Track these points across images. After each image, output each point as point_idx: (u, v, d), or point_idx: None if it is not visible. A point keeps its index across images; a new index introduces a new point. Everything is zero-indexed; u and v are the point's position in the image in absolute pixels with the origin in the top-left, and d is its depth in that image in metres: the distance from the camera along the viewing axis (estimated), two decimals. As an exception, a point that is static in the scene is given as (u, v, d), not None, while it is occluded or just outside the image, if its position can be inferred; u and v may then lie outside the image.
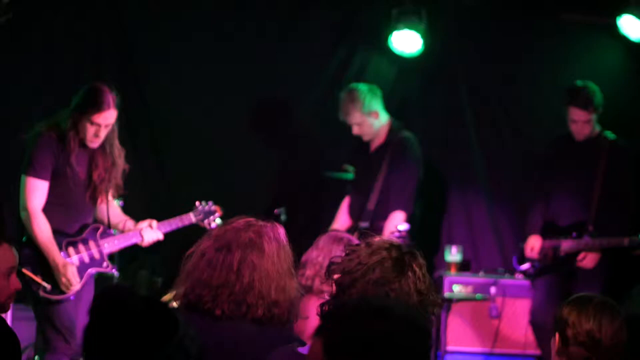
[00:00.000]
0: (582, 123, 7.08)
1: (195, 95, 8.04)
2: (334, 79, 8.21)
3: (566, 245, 7.07)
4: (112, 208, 6.34)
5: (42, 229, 6.01)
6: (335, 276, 3.24)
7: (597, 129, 7.16)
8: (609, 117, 7.26)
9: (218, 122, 8.11)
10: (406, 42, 7.96)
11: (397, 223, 6.90)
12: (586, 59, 7.99)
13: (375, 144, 7.38)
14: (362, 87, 7.35)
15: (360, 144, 7.43)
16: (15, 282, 3.93)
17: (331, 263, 3.27)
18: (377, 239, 3.30)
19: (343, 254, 3.28)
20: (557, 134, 7.39)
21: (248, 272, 3.56)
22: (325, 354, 2.62)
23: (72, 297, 6.05)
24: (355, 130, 7.31)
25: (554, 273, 7.10)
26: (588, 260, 6.96)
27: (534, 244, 7.15)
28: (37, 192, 6.04)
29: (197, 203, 6.55)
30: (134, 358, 2.48)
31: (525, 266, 7.21)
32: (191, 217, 6.44)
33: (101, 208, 6.28)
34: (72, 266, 6.02)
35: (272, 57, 8.11)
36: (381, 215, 7.16)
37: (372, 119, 7.30)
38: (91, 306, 2.61)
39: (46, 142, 6.03)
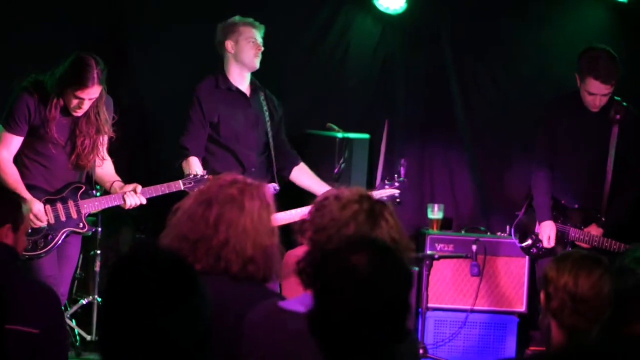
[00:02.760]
0: (600, 96, 6.47)
1: (182, 57, 8.02)
2: (318, 36, 8.21)
3: (574, 234, 6.65)
4: (102, 167, 6.32)
5: (9, 172, 6.05)
6: (308, 233, 3.25)
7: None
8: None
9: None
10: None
11: None
12: (570, 17, 7.98)
13: (246, 90, 6.87)
14: None
15: (226, 92, 6.80)
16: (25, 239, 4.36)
17: (303, 221, 3.29)
18: (345, 190, 3.31)
19: (313, 210, 3.30)
20: (559, 95, 6.94)
21: (224, 227, 3.57)
22: (316, 298, 2.69)
23: (56, 244, 6.09)
24: (259, 48, 6.74)
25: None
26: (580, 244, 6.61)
27: (550, 233, 6.67)
28: (8, 144, 6.09)
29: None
30: (157, 312, 2.51)
31: (528, 243, 6.88)
32: (179, 185, 6.31)
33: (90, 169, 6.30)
34: (39, 203, 6.05)
35: (255, 15, 8.07)
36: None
37: None
38: (117, 262, 2.63)
39: (26, 99, 6.03)
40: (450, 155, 8.30)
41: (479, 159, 8.19)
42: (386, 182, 6.78)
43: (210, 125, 6.76)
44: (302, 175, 6.97)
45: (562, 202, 6.78)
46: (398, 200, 6.72)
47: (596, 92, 6.47)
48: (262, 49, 6.78)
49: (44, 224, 6.05)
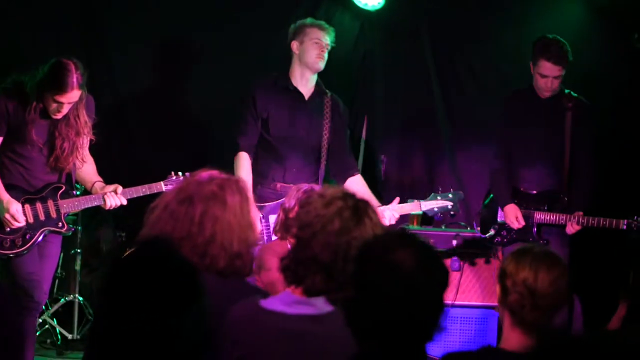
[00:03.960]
0: (552, 79, 6.79)
1: (160, 59, 8.00)
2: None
3: (539, 217, 6.88)
4: (83, 168, 6.30)
5: None
6: (294, 230, 3.27)
7: (561, 86, 6.97)
8: (570, 72, 7.31)
9: (182, 81, 8.08)
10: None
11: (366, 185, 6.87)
12: (549, 14, 8.01)
13: (307, 92, 6.89)
14: None
15: (282, 91, 6.85)
16: None
17: (287, 218, 3.32)
18: (328, 189, 3.34)
19: (297, 207, 3.33)
20: (514, 88, 7.18)
21: (210, 224, 3.58)
22: (355, 290, 2.70)
23: (34, 243, 6.08)
24: (324, 49, 6.75)
25: (523, 241, 6.89)
26: (569, 227, 6.79)
27: (516, 214, 6.89)
28: None
29: (172, 173, 6.40)
30: (171, 312, 2.50)
31: (491, 234, 7.08)
32: (161, 186, 6.29)
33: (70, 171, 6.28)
34: (17, 204, 6.02)
35: (233, 12, 8.08)
36: (326, 178, 6.89)
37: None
38: (125, 262, 2.62)
39: (4, 100, 6.00)
40: (429, 150, 8.33)
41: (458, 155, 8.23)
42: (440, 192, 6.77)
43: (261, 122, 6.79)
44: (355, 187, 6.81)
45: (521, 189, 6.99)
46: (452, 213, 6.75)
47: (548, 74, 6.77)
48: (327, 49, 6.78)
49: (21, 224, 6.03)
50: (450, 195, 6.75)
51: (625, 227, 6.65)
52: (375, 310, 2.67)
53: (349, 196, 3.28)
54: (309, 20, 6.87)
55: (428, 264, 2.72)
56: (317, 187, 6.52)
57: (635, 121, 7.75)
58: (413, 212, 7.52)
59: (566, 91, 6.93)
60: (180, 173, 6.40)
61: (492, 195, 7.15)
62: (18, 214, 6.01)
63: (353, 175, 6.96)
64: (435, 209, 6.74)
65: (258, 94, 6.82)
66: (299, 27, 6.84)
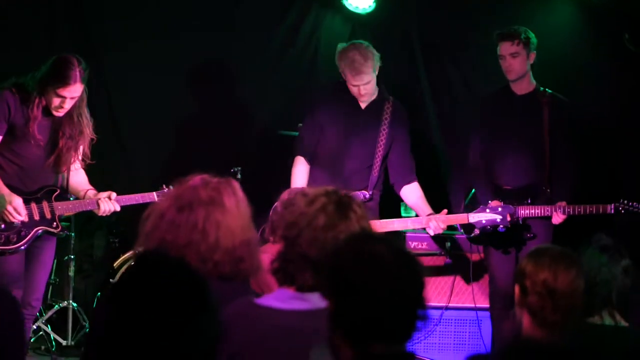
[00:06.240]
0: (508, 57, 6.85)
1: (150, 62, 8.00)
2: (288, 37, 8.22)
3: (523, 211, 6.77)
4: (76, 175, 6.32)
5: None
6: (280, 231, 3.28)
7: (534, 82, 6.97)
8: (558, 75, 7.34)
9: (173, 87, 8.08)
10: (359, -1, 8.03)
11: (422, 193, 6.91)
12: (536, 16, 8.02)
13: (366, 103, 6.89)
14: (366, 43, 6.82)
15: (340, 100, 6.88)
16: None
17: (273, 219, 3.32)
18: (311, 188, 3.34)
19: (282, 208, 3.32)
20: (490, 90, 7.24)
21: (213, 229, 3.57)
22: (336, 296, 2.69)
23: (22, 248, 6.08)
24: (362, 90, 6.72)
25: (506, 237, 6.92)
26: (555, 217, 6.75)
27: None
28: None
29: (164, 186, 6.40)
30: (170, 326, 2.48)
31: (476, 233, 6.97)
32: (153, 196, 6.33)
33: (65, 174, 6.28)
34: (19, 198, 6.04)
35: (225, 16, 8.09)
36: (379, 184, 6.93)
37: (376, 76, 6.81)
38: (130, 271, 2.59)
39: (6, 97, 6.02)
40: (421, 154, 8.32)
41: (450, 157, 8.23)
42: (489, 205, 6.74)
43: (319, 129, 6.88)
44: (410, 195, 6.95)
45: (503, 186, 6.94)
46: (502, 226, 6.69)
47: (504, 53, 6.89)
48: (368, 83, 6.73)
49: (22, 218, 6.03)
50: (499, 209, 6.71)
51: (612, 210, 6.59)
52: (362, 309, 2.65)
53: (332, 192, 3.28)
54: (347, 55, 6.74)
55: (404, 254, 2.72)
56: (367, 194, 6.69)
57: (625, 119, 7.78)
58: (405, 216, 7.55)
59: (541, 89, 6.93)
60: (172, 187, 6.41)
61: (471, 194, 7.13)
62: (20, 207, 6.02)
63: (409, 182, 6.98)
64: (484, 222, 6.72)
65: (319, 102, 6.94)
66: (340, 54, 6.78)
